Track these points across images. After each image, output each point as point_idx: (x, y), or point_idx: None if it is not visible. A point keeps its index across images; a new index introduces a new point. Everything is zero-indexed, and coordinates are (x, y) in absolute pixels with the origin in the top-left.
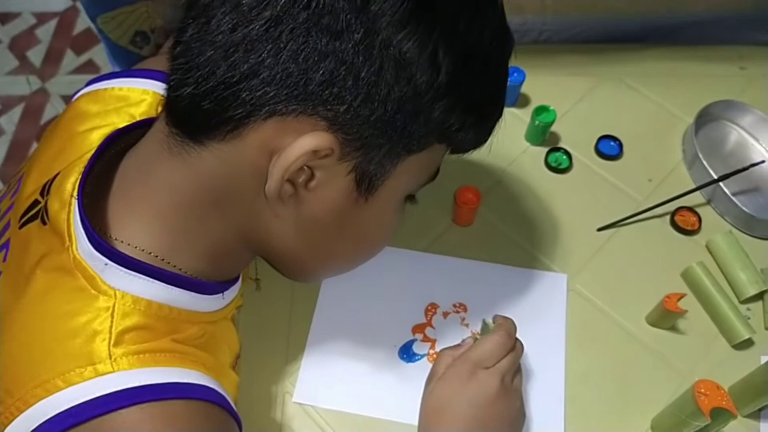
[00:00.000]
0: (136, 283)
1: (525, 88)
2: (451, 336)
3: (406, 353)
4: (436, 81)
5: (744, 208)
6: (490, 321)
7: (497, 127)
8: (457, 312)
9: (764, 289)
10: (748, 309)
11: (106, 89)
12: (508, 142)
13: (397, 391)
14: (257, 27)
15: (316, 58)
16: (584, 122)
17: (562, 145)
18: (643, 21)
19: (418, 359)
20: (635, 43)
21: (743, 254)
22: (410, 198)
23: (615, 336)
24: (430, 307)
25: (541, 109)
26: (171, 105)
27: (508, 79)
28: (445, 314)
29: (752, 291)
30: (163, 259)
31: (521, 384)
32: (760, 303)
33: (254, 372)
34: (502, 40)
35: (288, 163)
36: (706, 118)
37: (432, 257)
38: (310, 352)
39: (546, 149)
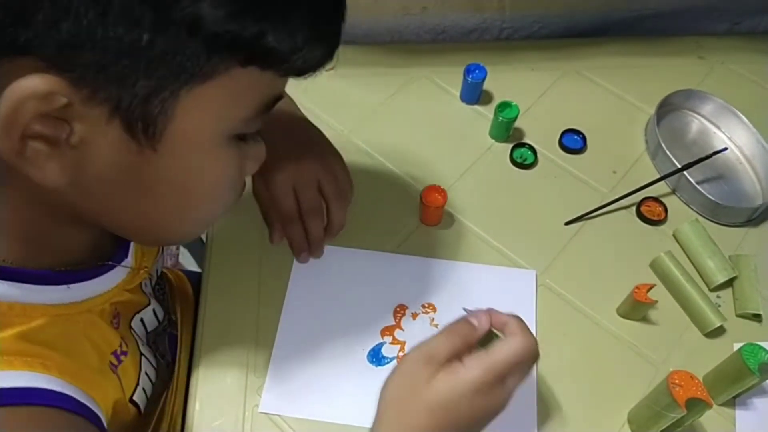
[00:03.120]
0: None
1: (487, 85)
2: (421, 337)
3: (375, 357)
4: None
5: (709, 196)
6: (471, 309)
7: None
8: (426, 312)
9: (733, 275)
10: (718, 296)
11: None
12: (473, 139)
13: (367, 397)
14: None
15: None
16: (547, 117)
17: (526, 140)
18: (602, 15)
19: (388, 362)
20: (595, 37)
21: (710, 242)
22: (242, 137)
23: (587, 330)
24: (398, 309)
25: (504, 105)
26: None
27: (469, 76)
28: (414, 315)
29: (721, 278)
30: None
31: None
32: (729, 290)
33: (218, 382)
34: None
35: (5, 115)
36: (667, 108)
37: (398, 257)
38: (276, 359)
39: (510, 145)
